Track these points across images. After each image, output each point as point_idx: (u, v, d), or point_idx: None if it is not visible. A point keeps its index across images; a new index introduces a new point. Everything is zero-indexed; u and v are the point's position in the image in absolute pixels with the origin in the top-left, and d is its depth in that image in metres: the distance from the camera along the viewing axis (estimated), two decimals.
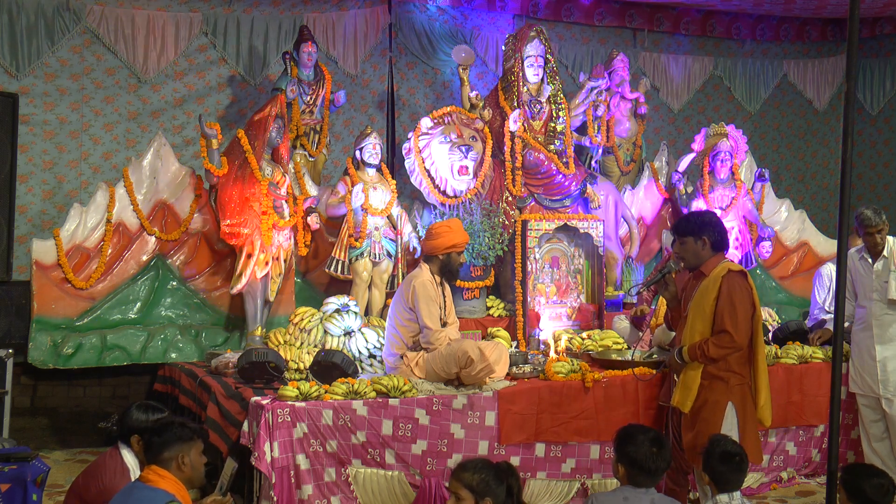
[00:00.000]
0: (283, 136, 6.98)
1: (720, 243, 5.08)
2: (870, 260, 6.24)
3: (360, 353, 6.40)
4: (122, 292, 6.93)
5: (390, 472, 5.36)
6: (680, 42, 10.05)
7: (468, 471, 3.76)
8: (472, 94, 7.44)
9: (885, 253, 6.18)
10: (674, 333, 5.89)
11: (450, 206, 7.18)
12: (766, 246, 8.25)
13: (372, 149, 7.13)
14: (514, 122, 7.32)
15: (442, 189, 7.21)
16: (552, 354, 6.50)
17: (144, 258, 7.00)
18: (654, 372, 5.98)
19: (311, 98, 7.76)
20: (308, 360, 6.10)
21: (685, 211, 8.15)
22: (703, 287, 4.99)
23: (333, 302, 6.59)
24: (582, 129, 7.92)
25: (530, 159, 7.40)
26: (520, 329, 7.05)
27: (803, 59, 10.51)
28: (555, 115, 7.54)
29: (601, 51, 9.52)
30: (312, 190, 7.43)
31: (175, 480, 3.57)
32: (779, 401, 6.31)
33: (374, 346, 6.43)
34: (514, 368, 6.01)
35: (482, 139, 7.30)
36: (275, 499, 5.06)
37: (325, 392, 5.32)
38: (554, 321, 7.23)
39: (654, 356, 6.19)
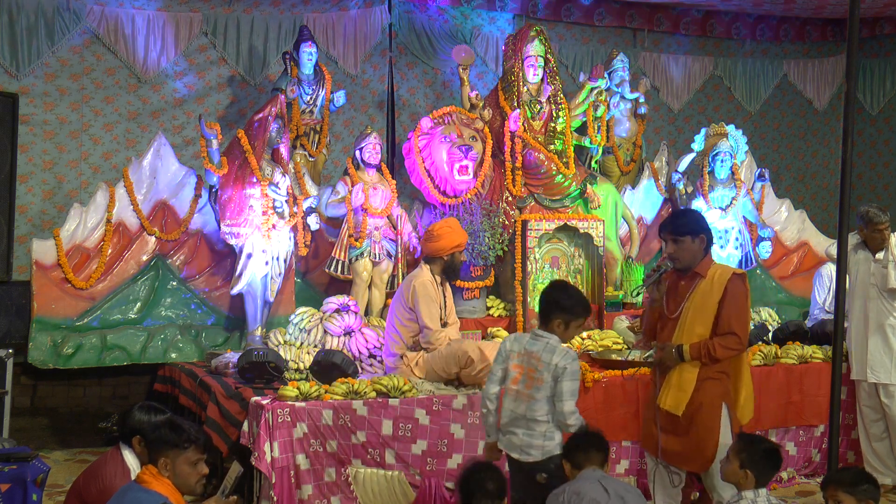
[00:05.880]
0: (283, 136, 6.99)
1: (711, 242, 5.04)
2: (870, 254, 6.32)
3: (360, 353, 6.40)
4: (122, 292, 6.93)
5: (390, 472, 5.36)
6: (680, 42, 10.05)
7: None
8: (472, 94, 7.43)
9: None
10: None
11: (450, 206, 7.18)
12: (766, 246, 8.25)
13: (372, 149, 7.13)
14: (514, 122, 7.32)
15: (442, 189, 7.21)
16: None
17: (144, 258, 7.00)
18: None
19: (311, 98, 7.76)
20: (308, 360, 6.10)
21: None
22: (704, 289, 4.87)
23: (333, 302, 6.60)
24: (582, 129, 7.91)
25: (530, 159, 7.40)
26: (520, 329, 7.04)
27: (803, 59, 10.50)
28: (555, 115, 7.54)
29: (601, 51, 9.51)
30: (312, 190, 7.43)
31: (169, 482, 3.53)
32: (779, 401, 6.33)
33: (374, 346, 6.43)
34: None
35: (482, 139, 7.30)
36: (275, 499, 5.07)
37: (325, 392, 5.33)
38: None
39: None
